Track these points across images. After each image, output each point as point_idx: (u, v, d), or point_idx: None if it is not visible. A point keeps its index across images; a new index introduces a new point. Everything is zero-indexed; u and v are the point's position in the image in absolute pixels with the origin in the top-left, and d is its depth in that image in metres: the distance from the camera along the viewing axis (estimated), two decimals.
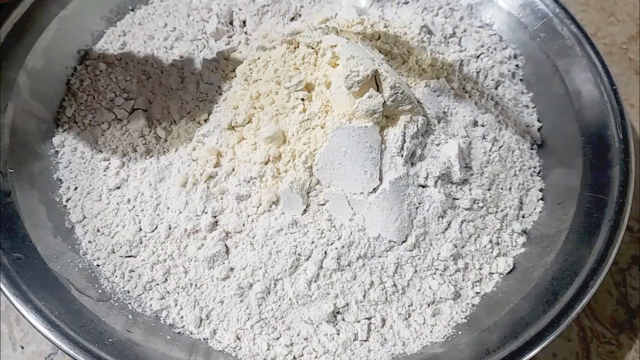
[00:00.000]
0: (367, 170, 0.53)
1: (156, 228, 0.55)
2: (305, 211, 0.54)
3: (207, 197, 0.55)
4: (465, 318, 0.54)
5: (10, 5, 0.61)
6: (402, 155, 0.54)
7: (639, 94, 0.78)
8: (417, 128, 0.55)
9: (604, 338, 0.61)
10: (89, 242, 0.56)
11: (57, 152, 0.60)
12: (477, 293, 0.56)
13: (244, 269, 0.53)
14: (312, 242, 0.53)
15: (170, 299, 0.53)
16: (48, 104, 0.62)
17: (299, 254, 0.53)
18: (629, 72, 0.81)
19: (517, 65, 0.71)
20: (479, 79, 0.66)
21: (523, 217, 0.61)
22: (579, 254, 0.54)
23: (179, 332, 0.52)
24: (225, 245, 0.54)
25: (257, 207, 0.54)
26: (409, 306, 0.54)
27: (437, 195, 0.55)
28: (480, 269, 0.57)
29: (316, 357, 0.51)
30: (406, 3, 0.72)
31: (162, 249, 0.55)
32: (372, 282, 0.53)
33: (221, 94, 0.62)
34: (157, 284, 0.54)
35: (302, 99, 0.56)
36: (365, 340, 0.52)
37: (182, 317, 0.53)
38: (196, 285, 0.53)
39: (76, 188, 0.58)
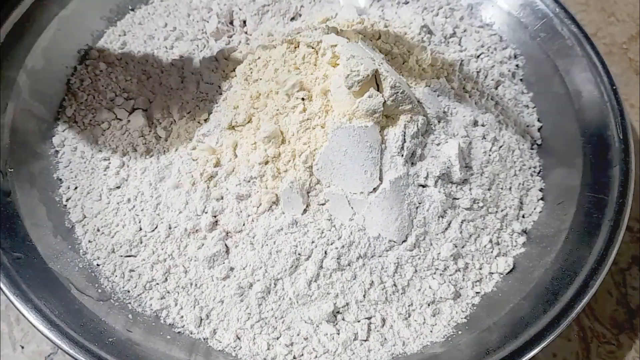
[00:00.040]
0: (367, 170, 0.53)
1: (156, 228, 0.55)
2: (305, 211, 0.54)
3: (207, 197, 0.55)
4: (465, 318, 0.54)
5: (10, 5, 0.61)
6: (402, 155, 0.54)
7: (639, 94, 0.78)
8: (417, 128, 0.55)
9: (604, 338, 0.61)
10: (89, 241, 0.56)
11: (57, 151, 0.60)
12: (477, 293, 0.56)
13: (244, 268, 0.53)
14: (312, 242, 0.53)
15: (170, 298, 0.53)
16: (48, 103, 0.62)
17: (299, 254, 0.53)
18: (629, 72, 0.81)
19: (517, 65, 0.71)
20: (479, 79, 0.66)
21: (523, 217, 0.61)
22: (579, 254, 0.54)
23: (179, 332, 0.52)
24: (226, 244, 0.54)
25: (257, 207, 0.54)
26: (409, 306, 0.54)
27: (437, 195, 0.55)
28: (481, 268, 0.57)
29: (316, 356, 0.51)
30: (406, 3, 0.72)
31: (162, 249, 0.55)
32: (372, 281, 0.53)
33: (221, 94, 0.62)
34: (157, 284, 0.54)
35: (302, 99, 0.56)
36: (365, 340, 0.52)
37: (182, 316, 0.53)
38: (196, 284, 0.53)
39: (76, 188, 0.58)
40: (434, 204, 0.55)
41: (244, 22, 0.70)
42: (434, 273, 0.55)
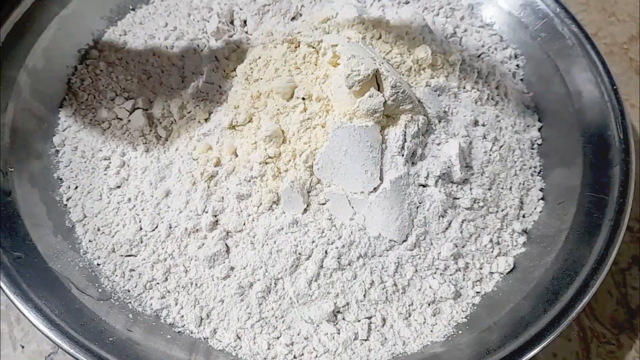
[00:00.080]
0: (367, 169, 0.53)
1: (156, 227, 0.55)
2: (305, 210, 0.54)
3: (207, 197, 0.55)
4: (465, 317, 0.54)
5: (10, 4, 0.61)
6: (402, 155, 0.54)
7: (639, 93, 0.78)
8: (418, 127, 0.55)
9: (604, 338, 0.61)
10: (90, 241, 0.56)
11: (57, 151, 0.61)
12: (477, 292, 0.56)
13: (244, 268, 0.53)
14: (313, 242, 0.53)
15: (171, 298, 0.53)
16: (48, 103, 0.62)
17: (299, 253, 0.53)
18: (629, 72, 0.81)
19: (517, 65, 0.71)
20: (480, 79, 0.66)
21: (523, 216, 0.61)
22: (580, 253, 0.54)
23: (179, 331, 0.52)
24: (226, 244, 0.54)
25: (258, 207, 0.54)
26: (409, 305, 0.54)
27: (438, 195, 0.55)
28: (481, 268, 0.57)
29: (316, 356, 0.51)
30: (407, 3, 0.72)
31: (163, 248, 0.55)
32: (373, 281, 0.53)
33: (222, 94, 0.62)
34: (158, 283, 0.54)
35: (303, 98, 0.56)
36: (365, 340, 0.52)
37: (182, 316, 0.53)
38: (196, 284, 0.53)
39: (77, 187, 0.58)
40: (435, 203, 0.55)
41: (245, 21, 0.70)
42: (435, 273, 0.55)
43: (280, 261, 0.52)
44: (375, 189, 0.54)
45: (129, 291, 0.53)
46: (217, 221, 0.55)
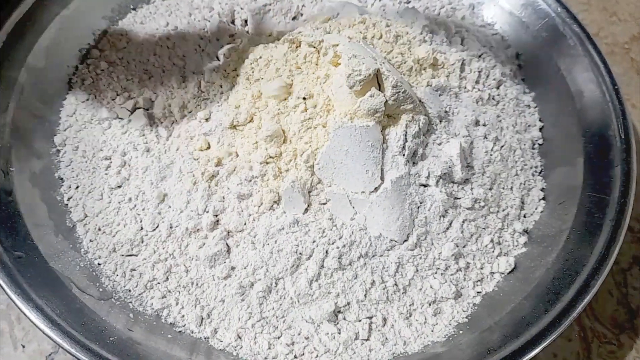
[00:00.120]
0: (368, 169, 0.53)
1: (157, 227, 0.55)
2: (306, 210, 0.54)
3: (208, 196, 0.55)
4: (466, 317, 0.54)
5: (11, 4, 0.61)
6: (403, 155, 0.54)
7: None
8: (419, 127, 0.55)
9: (604, 338, 0.61)
10: (90, 240, 0.56)
11: (58, 150, 0.61)
12: (478, 292, 0.56)
13: (245, 268, 0.53)
14: (314, 241, 0.53)
15: (171, 297, 0.53)
16: (49, 103, 0.62)
17: (300, 253, 0.53)
18: (630, 72, 0.81)
19: (518, 65, 0.71)
20: (481, 79, 0.66)
21: (524, 216, 0.61)
22: (580, 253, 0.54)
23: (180, 331, 0.52)
24: (227, 244, 0.54)
25: (259, 206, 0.54)
26: (410, 305, 0.54)
27: (439, 195, 0.55)
28: (482, 268, 0.57)
29: (317, 356, 0.51)
30: (408, 2, 0.72)
31: (164, 248, 0.55)
32: (374, 281, 0.53)
33: (222, 93, 0.62)
34: (158, 283, 0.54)
35: (304, 98, 0.56)
36: (366, 340, 0.52)
37: (183, 316, 0.53)
38: (197, 284, 0.53)
39: (77, 187, 0.59)
40: (436, 203, 0.55)
41: (246, 21, 0.70)
42: (435, 273, 0.55)
43: (281, 261, 0.52)
44: (376, 189, 0.54)
45: (129, 291, 0.53)
46: (217, 221, 0.55)
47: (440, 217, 0.55)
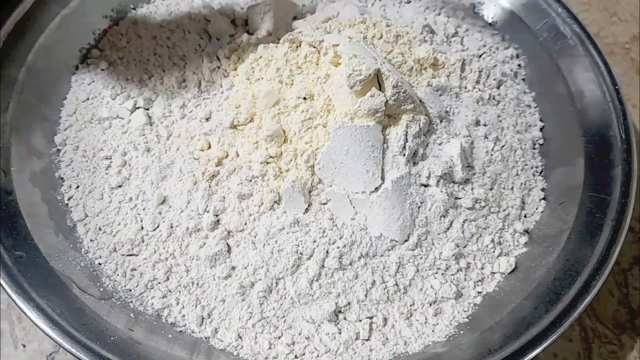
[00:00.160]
0: (369, 169, 0.53)
1: (158, 227, 0.55)
2: (307, 210, 0.54)
3: (208, 196, 0.55)
4: (467, 317, 0.54)
5: (11, 3, 0.61)
6: (404, 155, 0.54)
7: None
8: (419, 127, 0.55)
9: (605, 338, 0.61)
10: (91, 240, 0.56)
11: (58, 150, 0.61)
12: (479, 292, 0.56)
13: (245, 267, 0.53)
14: (314, 241, 0.53)
15: (172, 297, 0.53)
16: (50, 102, 0.62)
17: (300, 253, 0.53)
18: (631, 72, 0.81)
19: (519, 65, 0.71)
20: (481, 79, 0.66)
21: (525, 216, 0.61)
22: (581, 254, 0.54)
23: (180, 331, 0.52)
24: (227, 244, 0.54)
25: (259, 206, 0.54)
26: (410, 305, 0.54)
27: (439, 195, 0.55)
28: (482, 268, 0.57)
29: (318, 356, 0.51)
30: (408, 2, 0.72)
31: (164, 248, 0.55)
32: (374, 281, 0.53)
33: (223, 93, 0.62)
34: (159, 283, 0.54)
35: (304, 98, 0.56)
36: (366, 340, 0.52)
37: (183, 315, 0.53)
38: (198, 284, 0.53)
39: (78, 186, 0.58)
40: (436, 203, 0.55)
41: (246, 21, 0.70)
42: (436, 273, 0.55)
43: (281, 261, 0.52)
44: (376, 189, 0.54)
45: (130, 290, 0.53)
46: (218, 221, 0.55)
47: (440, 217, 0.55)
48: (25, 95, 0.60)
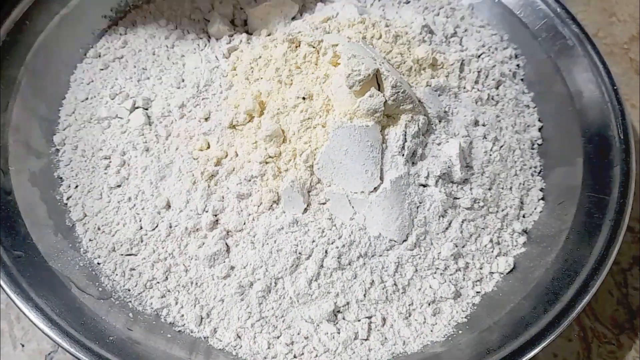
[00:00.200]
0: (368, 169, 0.53)
1: (157, 226, 0.55)
2: (306, 210, 0.54)
3: (207, 196, 0.55)
4: (465, 317, 0.54)
5: (11, 3, 0.61)
6: (403, 155, 0.54)
7: (639, 94, 0.78)
8: (418, 127, 0.55)
9: (604, 338, 0.61)
10: (90, 240, 0.56)
11: (57, 150, 0.61)
12: (477, 292, 0.56)
13: (244, 267, 0.53)
14: (313, 241, 0.53)
15: (171, 297, 0.53)
16: (49, 102, 0.62)
17: (299, 253, 0.53)
18: (630, 72, 0.81)
19: (518, 65, 0.71)
20: (480, 79, 0.66)
21: (524, 216, 0.61)
22: (580, 253, 0.54)
23: (179, 331, 0.52)
24: (226, 243, 0.54)
25: (258, 206, 0.54)
26: (409, 305, 0.54)
27: (438, 195, 0.55)
28: (481, 268, 0.57)
29: (316, 356, 0.51)
30: (407, 2, 0.72)
31: (163, 248, 0.55)
32: (373, 281, 0.53)
33: (222, 93, 0.62)
34: (158, 283, 0.54)
35: (303, 98, 0.56)
36: (365, 339, 0.52)
37: (182, 315, 0.53)
38: (197, 283, 0.53)
39: (77, 186, 0.58)
40: (435, 203, 0.55)
41: (245, 21, 0.70)
42: (435, 272, 0.55)
43: (280, 261, 0.52)
44: (375, 189, 0.54)
45: (129, 290, 0.53)
46: (217, 220, 0.55)
47: (439, 217, 0.55)
48: (24, 95, 0.60)
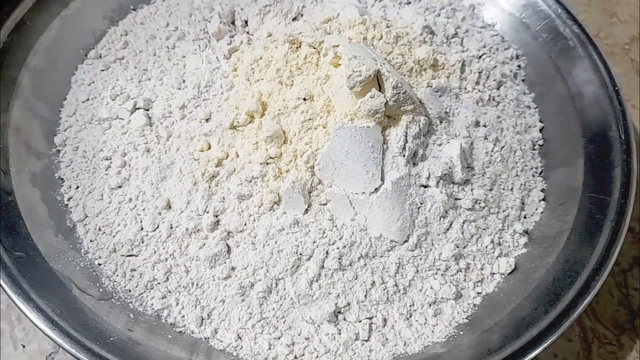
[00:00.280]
0: (368, 170, 0.53)
1: (157, 227, 0.55)
2: (306, 211, 0.54)
3: (208, 197, 0.55)
4: (466, 318, 0.54)
5: (12, 3, 0.61)
6: (404, 155, 0.54)
7: None
8: (419, 128, 0.55)
9: (605, 339, 0.61)
10: (91, 241, 0.56)
11: (58, 151, 0.61)
12: (478, 293, 0.56)
13: (245, 268, 0.53)
14: (314, 242, 0.53)
15: (172, 298, 0.53)
16: (50, 103, 0.62)
17: (300, 254, 0.53)
18: (630, 72, 0.81)
19: (519, 66, 0.71)
20: (481, 80, 0.66)
21: (525, 217, 0.61)
22: (581, 254, 0.54)
23: (180, 332, 0.52)
24: (227, 244, 0.54)
25: (259, 207, 0.54)
26: (410, 306, 0.54)
27: (439, 196, 0.55)
28: (482, 269, 0.57)
29: (317, 356, 0.51)
30: (408, 3, 0.72)
31: (164, 248, 0.55)
32: (374, 281, 0.53)
33: (223, 94, 0.62)
34: (159, 283, 0.54)
35: (304, 99, 0.56)
36: (366, 340, 0.52)
37: (183, 316, 0.53)
38: (197, 284, 0.53)
39: (78, 187, 0.59)
40: (436, 204, 0.55)
41: (246, 22, 0.70)
42: (436, 273, 0.55)
43: (281, 261, 0.52)
44: (376, 190, 0.54)
45: (130, 291, 0.53)
46: (218, 221, 0.55)
47: (440, 217, 0.55)
48: (25, 95, 0.60)
